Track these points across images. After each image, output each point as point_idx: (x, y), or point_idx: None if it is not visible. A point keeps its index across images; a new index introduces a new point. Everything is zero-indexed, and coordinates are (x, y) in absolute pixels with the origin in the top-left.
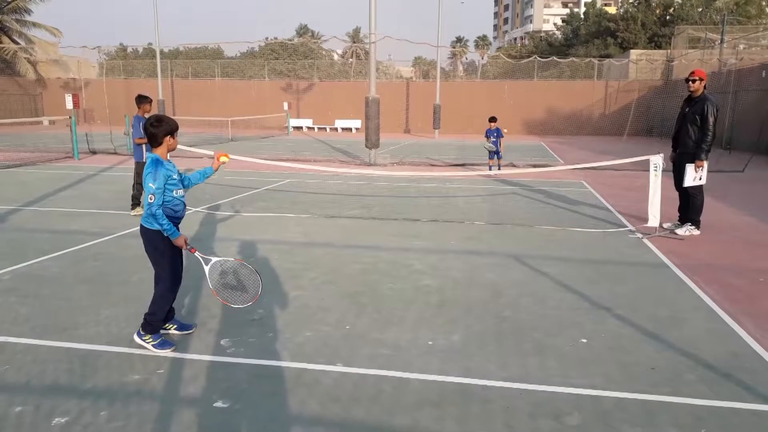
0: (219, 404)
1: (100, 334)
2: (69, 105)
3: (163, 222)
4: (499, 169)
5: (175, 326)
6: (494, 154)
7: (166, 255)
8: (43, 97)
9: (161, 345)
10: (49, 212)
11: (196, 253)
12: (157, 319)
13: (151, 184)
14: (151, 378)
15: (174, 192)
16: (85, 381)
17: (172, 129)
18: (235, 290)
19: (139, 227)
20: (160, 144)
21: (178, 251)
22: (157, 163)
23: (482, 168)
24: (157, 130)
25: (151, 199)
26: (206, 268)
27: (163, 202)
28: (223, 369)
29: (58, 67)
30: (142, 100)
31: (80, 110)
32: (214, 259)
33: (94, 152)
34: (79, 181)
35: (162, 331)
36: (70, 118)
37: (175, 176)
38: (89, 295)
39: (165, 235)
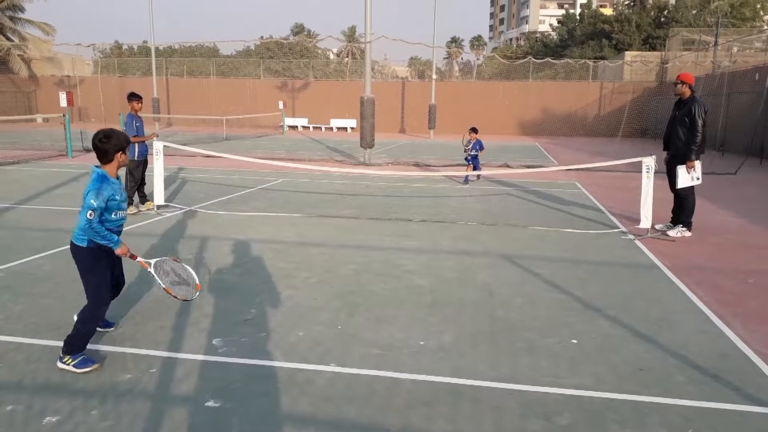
0: (211, 403)
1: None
2: (63, 102)
3: (105, 237)
4: (477, 178)
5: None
6: (472, 162)
7: (95, 270)
8: (37, 94)
9: (83, 363)
10: (42, 210)
11: (138, 259)
12: (83, 340)
13: (92, 201)
14: (143, 377)
15: (113, 214)
16: (76, 380)
17: (122, 145)
18: (182, 285)
19: (71, 245)
20: (110, 160)
21: (108, 265)
22: (102, 179)
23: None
24: (108, 145)
25: (90, 216)
26: (151, 271)
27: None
28: (215, 368)
29: (52, 65)
30: (131, 98)
31: (74, 108)
32: (153, 261)
33: (88, 150)
34: (73, 179)
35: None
36: (64, 115)
37: (118, 197)
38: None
39: (103, 247)
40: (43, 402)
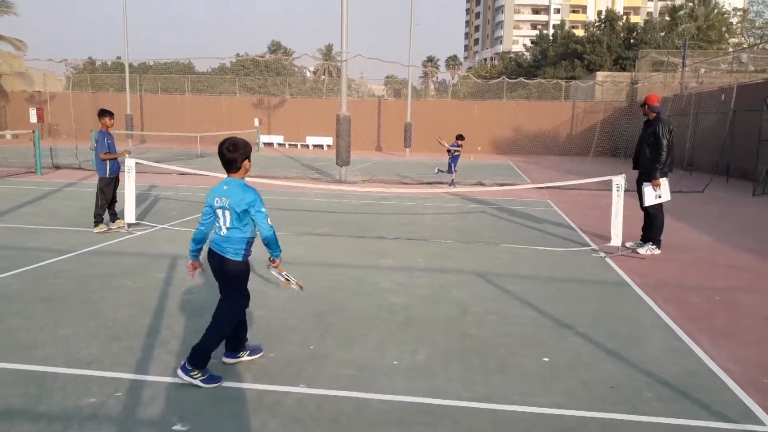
0: (178, 427)
1: (57, 354)
2: (33, 119)
3: (277, 241)
4: (453, 181)
5: (248, 352)
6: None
7: (244, 285)
8: (6, 110)
9: (211, 380)
10: (8, 228)
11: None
12: (209, 353)
13: (263, 209)
14: (108, 401)
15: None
16: (39, 404)
17: (248, 153)
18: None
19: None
20: (239, 168)
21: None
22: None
23: (451, 186)
24: (236, 154)
25: (270, 222)
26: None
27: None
28: (183, 391)
29: (22, 80)
30: (103, 114)
31: (45, 124)
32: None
33: (57, 167)
34: (41, 197)
35: (234, 360)
36: (33, 132)
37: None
38: (48, 313)
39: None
40: (4, 427)
